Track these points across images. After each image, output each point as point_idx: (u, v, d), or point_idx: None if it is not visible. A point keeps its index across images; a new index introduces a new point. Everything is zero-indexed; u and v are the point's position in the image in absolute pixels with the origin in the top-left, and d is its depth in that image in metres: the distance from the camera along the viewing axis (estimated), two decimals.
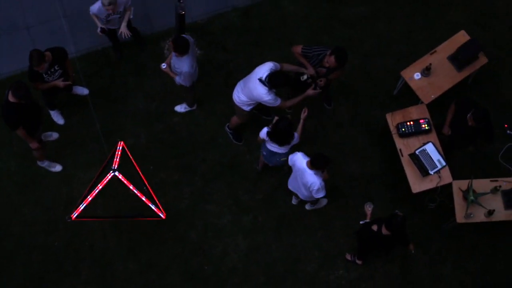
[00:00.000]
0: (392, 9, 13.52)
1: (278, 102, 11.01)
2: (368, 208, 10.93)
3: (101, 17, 11.59)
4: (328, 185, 11.21)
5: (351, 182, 12.33)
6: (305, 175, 10.52)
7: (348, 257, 11.85)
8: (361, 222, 10.92)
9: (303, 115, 10.95)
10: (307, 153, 10.72)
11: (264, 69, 10.83)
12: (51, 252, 11.77)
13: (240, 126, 12.28)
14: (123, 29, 11.86)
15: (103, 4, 11.23)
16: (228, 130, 12.45)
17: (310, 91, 11.18)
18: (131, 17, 11.92)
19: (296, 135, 10.86)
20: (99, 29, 11.73)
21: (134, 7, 11.89)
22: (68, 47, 12.13)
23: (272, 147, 11.03)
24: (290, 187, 11.32)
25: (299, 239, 12.02)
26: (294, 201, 12.15)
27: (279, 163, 11.48)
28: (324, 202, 12.16)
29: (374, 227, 10.32)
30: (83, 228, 11.86)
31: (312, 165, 10.37)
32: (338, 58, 10.76)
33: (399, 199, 12.22)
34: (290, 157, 10.83)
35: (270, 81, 10.70)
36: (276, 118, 10.81)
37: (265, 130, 10.84)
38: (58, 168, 12.19)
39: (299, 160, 10.60)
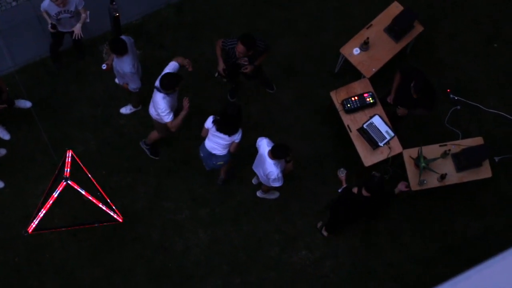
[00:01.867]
0: None
1: (169, 117, 10.86)
2: (341, 174, 10.99)
3: (52, 15, 11.45)
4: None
5: (304, 163, 12.39)
6: (265, 163, 10.56)
7: (318, 225, 11.91)
8: (339, 190, 10.97)
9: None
10: (255, 138, 10.80)
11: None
12: (13, 269, 11.69)
13: (158, 141, 12.21)
14: (77, 30, 11.79)
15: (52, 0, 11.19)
16: (144, 146, 12.33)
17: (185, 104, 10.95)
18: (87, 20, 11.85)
19: (240, 130, 10.77)
20: (49, 25, 11.61)
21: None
22: (5, 61, 12.09)
23: (212, 145, 10.93)
24: (253, 167, 11.33)
25: (258, 226, 12.08)
26: (254, 181, 12.21)
27: (216, 167, 11.44)
28: (276, 195, 12.22)
29: (355, 190, 10.42)
30: (41, 241, 11.77)
31: (272, 154, 10.41)
32: (244, 43, 10.76)
33: (353, 175, 12.31)
34: (258, 140, 10.81)
35: (161, 85, 10.57)
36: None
37: (211, 118, 10.72)
38: (0, 184, 12.11)
39: (263, 146, 10.63)
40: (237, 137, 10.77)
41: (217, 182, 12.22)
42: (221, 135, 10.72)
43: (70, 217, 11.85)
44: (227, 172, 12.02)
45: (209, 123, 10.75)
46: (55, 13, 11.46)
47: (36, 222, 10.24)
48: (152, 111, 11.28)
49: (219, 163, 11.23)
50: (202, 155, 11.28)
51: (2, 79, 11.40)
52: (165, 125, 11.14)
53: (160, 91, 10.61)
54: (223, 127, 10.63)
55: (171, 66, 10.89)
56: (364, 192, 10.20)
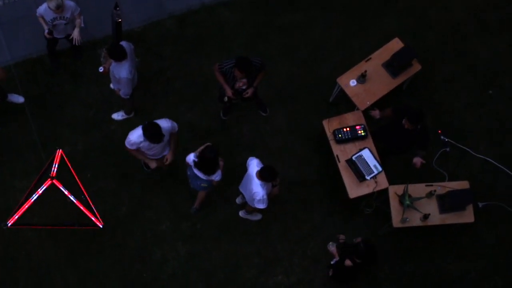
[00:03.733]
0: (328, 17, 13.66)
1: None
2: (331, 248, 11.14)
3: (47, 20, 11.49)
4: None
5: (290, 188, 12.39)
6: (252, 183, 10.56)
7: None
8: (332, 263, 11.13)
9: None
10: (244, 158, 10.82)
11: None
12: None
13: None
14: (76, 36, 11.82)
15: (49, 7, 11.17)
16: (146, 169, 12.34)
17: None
18: (82, 25, 11.87)
19: (219, 172, 10.80)
20: (46, 31, 11.63)
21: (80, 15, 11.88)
22: (3, 54, 12.07)
23: (196, 171, 10.89)
24: (240, 186, 11.31)
25: (238, 246, 12.05)
26: (238, 201, 12.21)
27: (200, 188, 11.38)
28: (258, 217, 12.21)
29: (348, 262, 10.56)
30: (19, 237, 11.72)
31: (260, 175, 10.42)
32: (240, 67, 10.81)
33: (337, 205, 12.35)
34: (248, 159, 10.83)
35: (143, 129, 10.45)
36: (206, 144, 10.72)
37: (191, 156, 10.69)
38: None
39: (252, 166, 10.66)
40: (215, 177, 10.82)
41: (190, 211, 12.20)
42: (200, 173, 10.78)
43: (50, 217, 11.76)
44: (202, 204, 12.04)
45: (189, 159, 10.77)
46: (51, 19, 11.50)
47: (17, 217, 10.16)
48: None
49: (202, 185, 11.17)
50: (188, 173, 11.25)
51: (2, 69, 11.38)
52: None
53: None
54: (200, 168, 10.67)
55: (164, 123, 10.75)
56: (355, 259, 10.40)
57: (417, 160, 11.25)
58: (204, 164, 10.56)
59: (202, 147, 10.68)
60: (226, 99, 11.57)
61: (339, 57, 13.32)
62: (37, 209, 11.65)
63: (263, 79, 11.55)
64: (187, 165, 10.98)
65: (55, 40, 12.04)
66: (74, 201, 10.18)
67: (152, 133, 10.33)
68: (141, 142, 10.59)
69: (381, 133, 11.82)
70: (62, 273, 11.66)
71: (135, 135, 10.58)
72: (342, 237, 11.89)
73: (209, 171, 10.67)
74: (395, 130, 11.25)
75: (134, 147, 10.71)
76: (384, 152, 11.93)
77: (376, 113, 11.61)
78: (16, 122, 12.34)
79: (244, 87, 11.31)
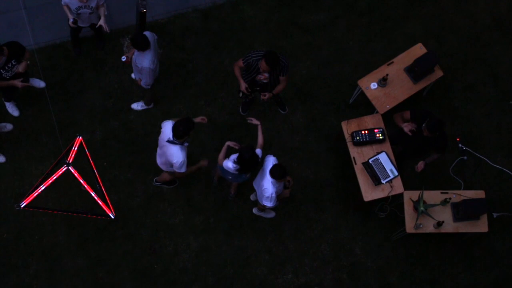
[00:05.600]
0: (351, 18, 13.62)
1: (183, 169, 10.67)
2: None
3: (72, 8, 11.55)
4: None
5: (304, 188, 12.40)
6: (264, 179, 10.59)
7: None
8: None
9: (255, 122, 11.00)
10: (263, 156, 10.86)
11: (168, 129, 10.54)
12: (0, 244, 11.69)
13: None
14: (103, 23, 11.89)
15: None
16: (157, 184, 12.25)
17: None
18: (106, 13, 11.91)
19: (259, 150, 10.81)
20: (71, 20, 11.68)
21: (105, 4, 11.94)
22: (27, 39, 12.12)
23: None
24: (253, 182, 11.35)
25: (250, 242, 12.07)
26: (252, 198, 12.24)
27: (247, 179, 11.46)
28: (271, 214, 12.21)
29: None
30: (33, 222, 11.81)
31: (270, 173, 10.45)
32: (268, 61, 10.78)
33: (350, 207, 12.34)
34: (266, 156, 10.85)
35: (175, 134, 10.34)
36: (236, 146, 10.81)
37: (230, 164, 10.71)
38: (1, 159, 12.11)
39: (267, 163, 10.68)
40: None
41: (229, 198, 12.26)
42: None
43: (64, 203, 11.85)
44: (236, 188, 12.13)
45: (229, 167, 10.77)
46: (76, 8, 11.55)
47: (31, 198, 10.18)
48: (160, 163, 11.18)
49: (248, 175, 11.30)
50: (229, 177, 11.35)
51: (29, 56, 11.41)
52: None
53: (175, 143, 10.45)
54: (245, 170, 10.78)
55: (168, 125, 10.68)
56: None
57: (421, 164, 11.23)
58: (248, 165, 10.64)
59: (224, 148, 10.81)
60: (241, 94, 11.58)
61: (361, 59, 13.29)
62: (52, 195, 11.78)
63: (283, 88, 11.60)
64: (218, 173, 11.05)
65: (79, 28, 12.08)
66: (88, 189, 10.20)
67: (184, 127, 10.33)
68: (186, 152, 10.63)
69: (399, 136, 11.77)
70: (73, 260, 11.73)
71: (179, 155, 10.50)
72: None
73: (255, 167, 10.82)
74: (413, 134, 11.21)
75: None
76: (401, 157, 11.89)
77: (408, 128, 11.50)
78: (36, 107, 12.41)
79: (265, 81, 11.29)
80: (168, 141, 10.42)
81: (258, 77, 11.24)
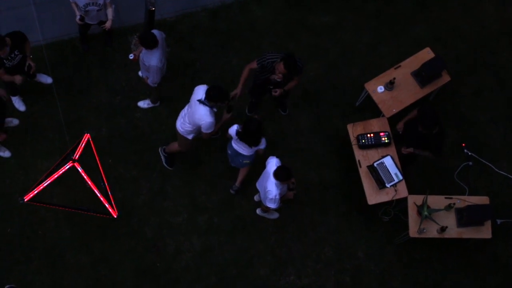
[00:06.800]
0: (359, 21, 13.63)
1: (213, 128, 10.87)
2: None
3: (80, 5, 11.55)
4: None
5: (308, 190, 12.39)
6: (268, 180, 10.59)
7: None
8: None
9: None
10: (265, 156, 10.86)
11: (201, 91, 10.71)
12: (3, 239, 11.70)
13: (176, 153, 12.18)
14: (109, 22, 11.94)
15: None
16: (162, 153, 12.31)
17: (225, 115, 11.15)
18: (114, 14, 11.94)
19: (263, 140, 10.88)
20: (78, 17, 11.69)
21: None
22: (35, 34, 12.14)
23: (238, 147, 11.06)
24: (257, 183, 11.37)
25: (253, 243, 12.07)
26: (256, 198, 12.23)
27: (242, 165, 11.53)
28: (275, 215, 12.20)
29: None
30: (36, 217, 11.81)
31: (274, 174, 10.45)
32: (286, 64, 10.77)
33: (354, 210, 12.34)
34: (269, 158, 10.88)
35: (208, 96, 10.51)
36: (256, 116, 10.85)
37: (235, 127, 10.84)
38: (7, 154, 12.11)
39: (271, 165, 10.68)
40: (261, 146, 10.95)
41: (231, 191, 12.25)
42: (242, 148, 10.97)
43: (68, 200, 11.84)
44: (243, 182, 12.08)
45: (232, 131, 10.90)
46: (83, 5, 11.55)
47: (35, 192, 10.20)
48: (179, 125, 11.26)
49: (245, 161, 11.36)
50: (229, 152, 11.42)
51: (30, 48, 11.42)
52: (190, 141, 11.29)
53: (206, 104, 10.60)
54: (244, 140, 10.82)
55: (201, 89, 10.85)
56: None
57: (408, 149, 11.29)
58: (247, 136, 10.72)
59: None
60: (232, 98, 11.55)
61: (368, 62, 13.29)
62: (57, 191, 11.81)
63: (295, 86, 11.57)
64: (227, 137, 11.11)
65: (88, 25, 12.09)
66: (92, 187, 10.21)
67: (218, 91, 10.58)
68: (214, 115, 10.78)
69: (405, 134, 11.76)
70: (76, 256, 11.73)
71: (207, 115, 10.69)
72: None
73: (253, 142, 10.84)
74: (413, 127, 11.20)
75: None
76: (405, 160, 11.89)
77: (408, 151, 11.43)
78: (43, 102, 12.42)
79: (278, 80, 11.29)
80: (199, 100, 10.59)
81: (272, 76, 11.24)
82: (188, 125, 11.07)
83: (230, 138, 11.13)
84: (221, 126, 11.22)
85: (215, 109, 10.72)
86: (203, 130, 10.86)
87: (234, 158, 11.45)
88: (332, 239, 12.20)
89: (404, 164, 11.87)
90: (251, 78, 11.74)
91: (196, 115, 10.74)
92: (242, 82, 11.38)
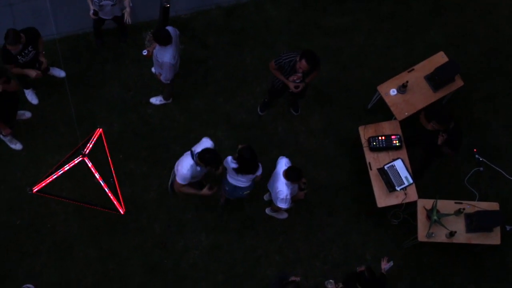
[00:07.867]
0: (373, 23, 13.61)
1: (182, 181, 10.57)
2: (329, 287, 11.09)
3: (94, 0, 11.58)
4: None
5: (318, 190, 12.38)
6: (278, 181, 10.60)
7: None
8: None
9: None
10: (276, 155, 10.83)
11: (203, 144, 10.61)
12: (13, 231, 11.76)
13: None
14: (127, 14, 11.97)
15: None
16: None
17: (205, 191, 10.81)
18: (131, 5, 11.97)
19: (259, 165, 10.82)
20: (91, 11, 11.72)
21: None
22: (49, 28, 12.15)
23: (236, 181, 10.97)
24: (268, 185, 11.35)
25: (261, 242, 12.08)
26: (265, 198, 12.22)
27: (243, 196, 11.46)
28: (284, 215, 12.20)
29: None
30: (46, 210, 11.86)
31: (285, 174, 10.45)
32: (309, 60, 10.78)
33: (363, 212, 12.32)
34: (278, 158, 10.88)
35: (201, 156, 10.29)
36: (240, 146, 10.68)
37: (229, 159, 10.75)
38: (18, 146, 12.16)
39: (280, 165, 10.71)
40: (257, 173, 10.85)
41: (219, 204, 12.21)
42: (243, 177, 10.83)
43: (78, 194, 11.87)
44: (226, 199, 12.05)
45: (228, 163, 10.77)
46: (98, 0, 11.54)
47: (43, 184, 10.22)
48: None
49: (245, 192, 11.28)
50: (227, 188, 11.32)
51: (43, 44, 11.46)
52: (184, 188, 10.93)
53: (193, 158, 10.39)
54: (243, 171, 10.70)
55: (208, 143, 10.72)
56: None
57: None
58: (246, 166, 10.61)
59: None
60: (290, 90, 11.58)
61: (381, 64, 13.26)
62: (67, 184, 11.85)
63: (314, 78, 11.59)
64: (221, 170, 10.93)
65: (102, 20, 12.11)
66: (101, 183, 10.23)
67: (211, 157, 10.31)
68: (193, 172, 10.50)
69: (415, 135, 11.76)
70: (84, 250, 11.77)
71: (186, 168, 10.40)
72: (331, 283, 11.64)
73: (253, 170, 10.73)
74: (427, 131, 11.23)
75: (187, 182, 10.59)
76: (420, 164, 11.93)
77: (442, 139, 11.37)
78: (55, 96, 12.45)
79: (298, 81, 11.29)
80: (191, 151, 10.44)
81: (291, 78, 11.24)
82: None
83: (225, 169, 11.02)
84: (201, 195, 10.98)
85: (198, 168, 10.46)
86: (176, 177, 10.62)
87: (233, 193, 11.35)
88: (340, 240, 12.19)
89: (421, 167, 11.90)
90: (270, 80, 11.81)
91: (181, 162, 10.56)
92: (278, 74, 11.35)
